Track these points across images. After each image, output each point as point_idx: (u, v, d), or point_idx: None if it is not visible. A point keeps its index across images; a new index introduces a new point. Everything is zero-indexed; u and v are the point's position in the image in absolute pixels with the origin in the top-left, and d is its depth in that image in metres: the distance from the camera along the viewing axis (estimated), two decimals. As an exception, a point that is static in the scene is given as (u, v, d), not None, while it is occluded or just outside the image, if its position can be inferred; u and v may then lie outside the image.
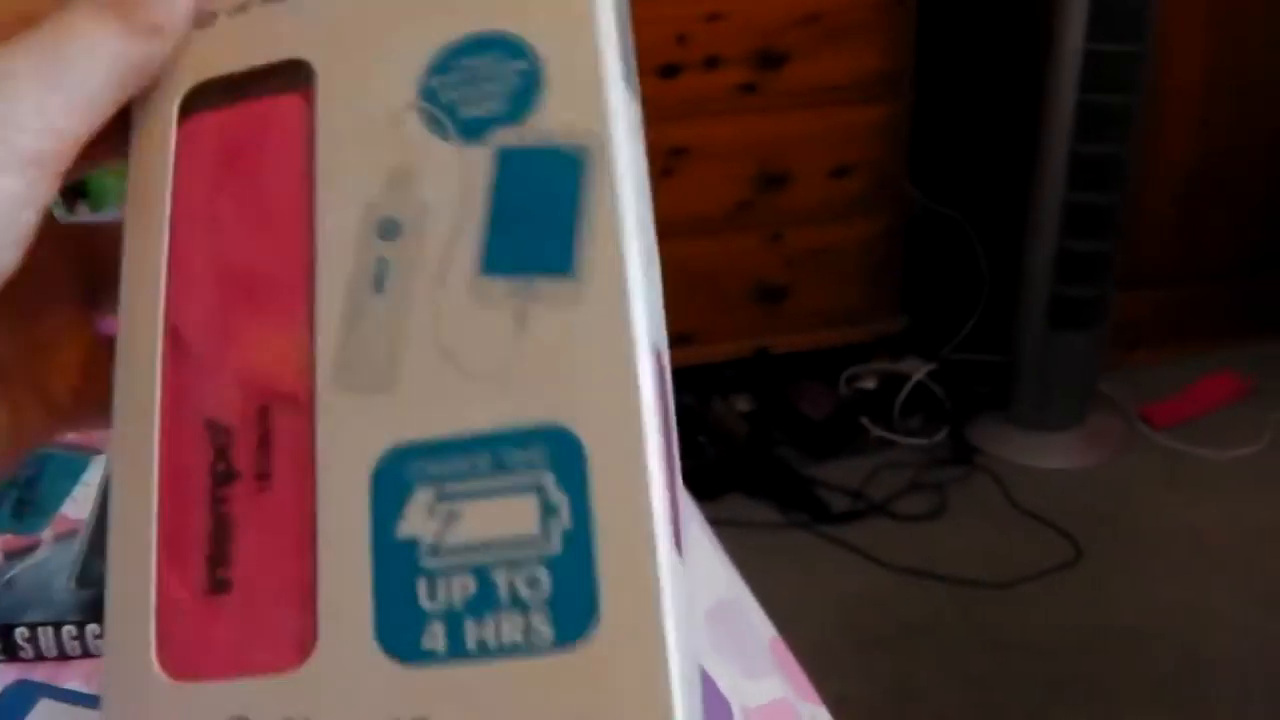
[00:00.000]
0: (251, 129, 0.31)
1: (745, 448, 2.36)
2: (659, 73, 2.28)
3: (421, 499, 0.27)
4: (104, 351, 0.36)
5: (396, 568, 0.27)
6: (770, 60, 2.30)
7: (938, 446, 2.45)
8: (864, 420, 2.48)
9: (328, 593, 0.27)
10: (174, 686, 0.28)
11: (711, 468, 2.32)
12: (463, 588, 0.26)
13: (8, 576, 0.77)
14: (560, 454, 0.27)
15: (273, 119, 0.31)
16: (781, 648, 0.93)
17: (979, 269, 2.54)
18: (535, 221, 0.28)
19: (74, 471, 0.85)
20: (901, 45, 2.35)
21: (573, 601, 0.26)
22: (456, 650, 0.26)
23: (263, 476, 0.29)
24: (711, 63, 2.29)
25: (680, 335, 2.45)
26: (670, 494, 0.27)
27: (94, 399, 0.35)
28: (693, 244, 2.40)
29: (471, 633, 0.26)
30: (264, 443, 0.29)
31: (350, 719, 0.27)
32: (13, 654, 0.73)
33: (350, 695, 0.27)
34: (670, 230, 2.40)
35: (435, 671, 0.26)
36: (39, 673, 0.72)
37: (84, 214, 1.44)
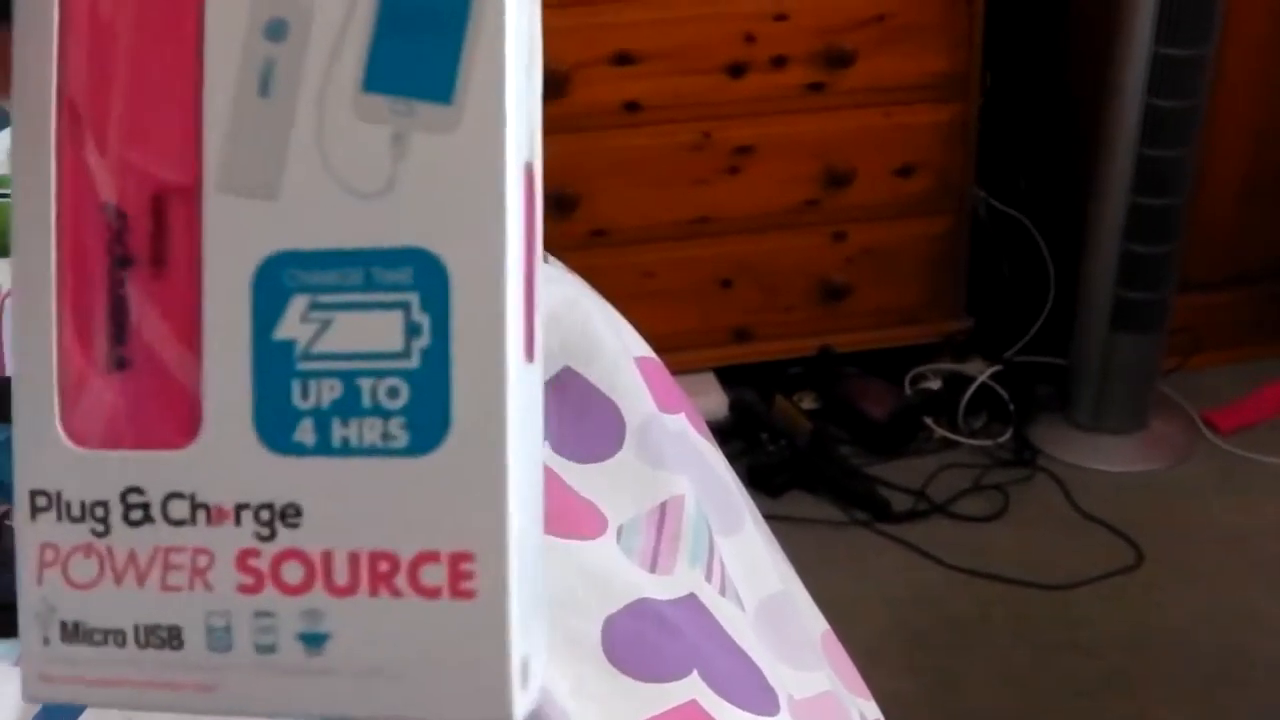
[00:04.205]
0: None
1: (808, 445, 2.37)
2: (727, 71, 2.29)
3: (298, 305, 0.30)
4: None
5: (274, 366, 0.30)
6: (837, 60, 2.31)
7: (1000, 448, 2.45)
8: (927, 420, 2.49)
9: (212, 383, 0.30)
10: (79, 453, 0.31)
11: (774, 465, 2.33)
12: (331, 390, 0.29)
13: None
14: (426, 277, 0.29)
15: None
16: (833, 642, 0.94)
17: (1044, 270, 2.53)
18: (420, 42, 0.29)
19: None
20: (967, 46, 2.35)
21: (427, 412, 0.29)
22: (323, 446, 0.30)
23: (157, 263, 0.31)
24: (779, 62, 2.31)
25: (743, 332, 2.46)
26: (527, 306, 0.30)
27: None
28: (757, 241, 2.41)
29: (337, 431, 0.29)
30: (158, 231, 0.31)
31: (229, 497, 0.30)
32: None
33: (230, 476, 0.30)
34: (735, 227, 2.43)
35: (304, 462, 0.30)
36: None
37: None
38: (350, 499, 0.29)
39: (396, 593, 0.29)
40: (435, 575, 0.29)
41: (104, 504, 0.30)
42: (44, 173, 0.30)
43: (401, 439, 0.29)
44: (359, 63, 0.29)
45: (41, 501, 0.31)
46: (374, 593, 0.29)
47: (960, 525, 2.27)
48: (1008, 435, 2.47)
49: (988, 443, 2.46)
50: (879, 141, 2.39)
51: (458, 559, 0.29)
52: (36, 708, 0.72)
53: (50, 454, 0.31)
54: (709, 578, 0.83)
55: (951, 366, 2.58)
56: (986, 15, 2.35)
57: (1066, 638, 2.01)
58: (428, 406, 0.29)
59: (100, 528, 0.30)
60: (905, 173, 2.41)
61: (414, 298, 0.29)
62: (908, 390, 2.56)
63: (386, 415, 0.29)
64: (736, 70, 2.30)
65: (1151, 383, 2.44)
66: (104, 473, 0.30)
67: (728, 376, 2.46)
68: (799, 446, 2.37)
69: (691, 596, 0.80)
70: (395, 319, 0.29)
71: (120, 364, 0.31)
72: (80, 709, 0.72)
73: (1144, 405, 2.44)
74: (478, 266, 0.29)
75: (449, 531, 0.29)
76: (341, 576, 0.29)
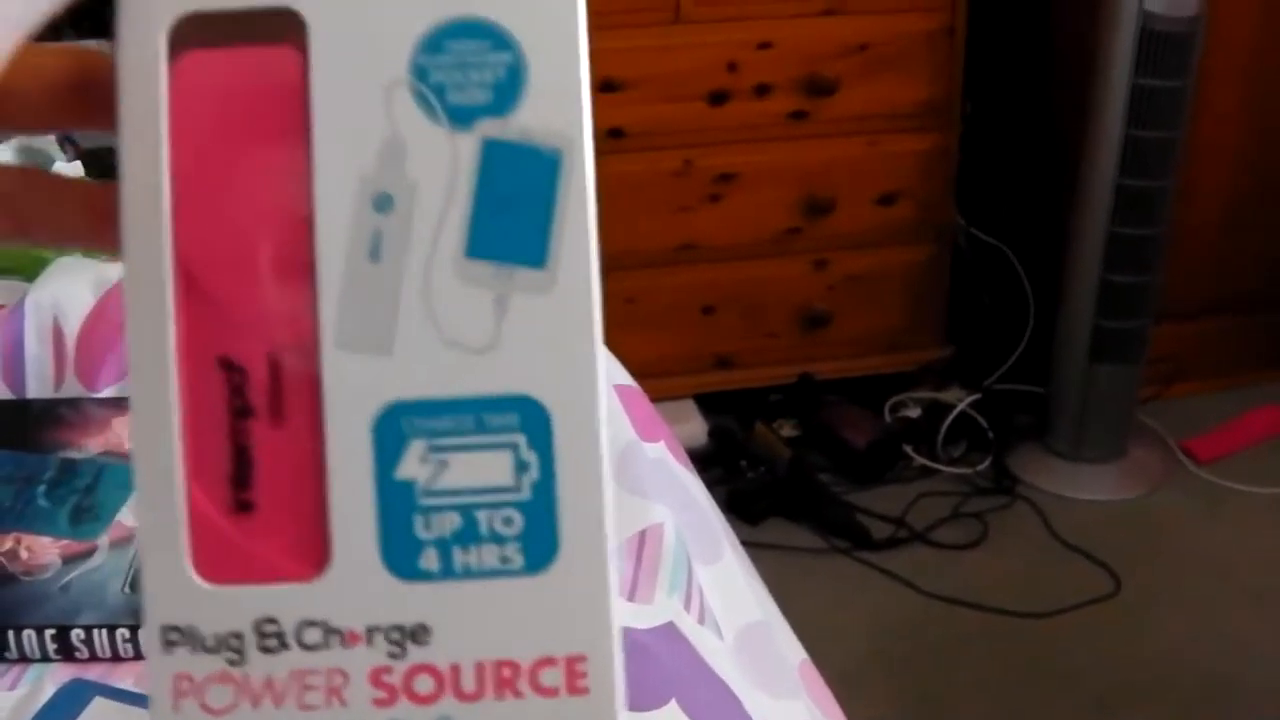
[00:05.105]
0: (247, 76, 0.33)
1: (788, 473, 2.37)
2: (709, 99, 2.30)
3: (416, 449, 0.32)
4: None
5: (397, 503, 0.32)
6: (819, 89, 2.32)
7: (979, 476, 2.46)
8: (907, 448, 2.50)
9: (340, 520, 0.32)
10: (209, 589, 0.32)
11: (753, 492, 2.34)
12: (451, 522, 0.32)
13: (65, 581, 0.80)
14: (531, 420, 0.33)
15: (269, 68, 0.33)
16: (810, 671, 0.94)
17: (1024, 299, 2.54)
18: (515, 214, 0.33)
19: (130, 482, 0.88)
20: (949, 76, 2.37)
21: (539, 537, 0.33)
22: (447, 571, 0.32)
23: (276, 415, 0.33)
24: (762, 90, 2.32)
25: (724, 359, 2.47)
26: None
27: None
28: (739, 269, 2.42)
29: (459, 558, 0.32)
30: (275, 385, 0.33)
31: (360, 622, 0.32)
32: (69, 654, 0.76)
33: (361, 602, 0.32)
34: (717, 255, 2.43)
35: (430, 586, 0.32)
36: (93, 672, 0.75)
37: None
38: (474, 616, 0.32)
39: (519, 695, 0.32)
40: (553, 677, 0.32)
41: (238, 635, 0.32)
42: (161, 329, 0.32)
43: (517, 561, 0.32)
44: (461, 232, 0.32)
45: (174, 636, 0.32)
46: (499, 696, 0.32)
47: (939, 553, 2.27)
48: (987, 463, 2.48)
49: (967, 471, 2.46)
50: (861, 170, 2.40)
51: (573, 661, 0.33)
52: (36, 708, 0.72)
53: (181, 592, 0.32)
54: (687, 606, 0.83)
55: (931, 395, 2.59)
56: (968, 45, 2.36)
57: (1046, 666, 2.02)
58: (539, 532, 0.32)
59: (235, 657, 0.32)
60: (887, 201, 2.42)
61: (521, 439, 0.32)
62: (887, 418, 2.56)
63: (502, 541, 0.32)
64: (719, 98, 2.31)
65: (1130, 411, 2.45)
66: (236, 606, 0.32)
67: (708, 403, 2.47)
68: (778, 474, 2.37)
69: (670, 625, 0.80)
70: (505, 458, 0.32)
71: (245, 507, 0.33)
72: (79, 709, 0.72)
73: (1123, 434, 2.46)
74: (575, 409, 0.32)
75: (564, 638, 0.33)
76: (469, 684, 0.32)
